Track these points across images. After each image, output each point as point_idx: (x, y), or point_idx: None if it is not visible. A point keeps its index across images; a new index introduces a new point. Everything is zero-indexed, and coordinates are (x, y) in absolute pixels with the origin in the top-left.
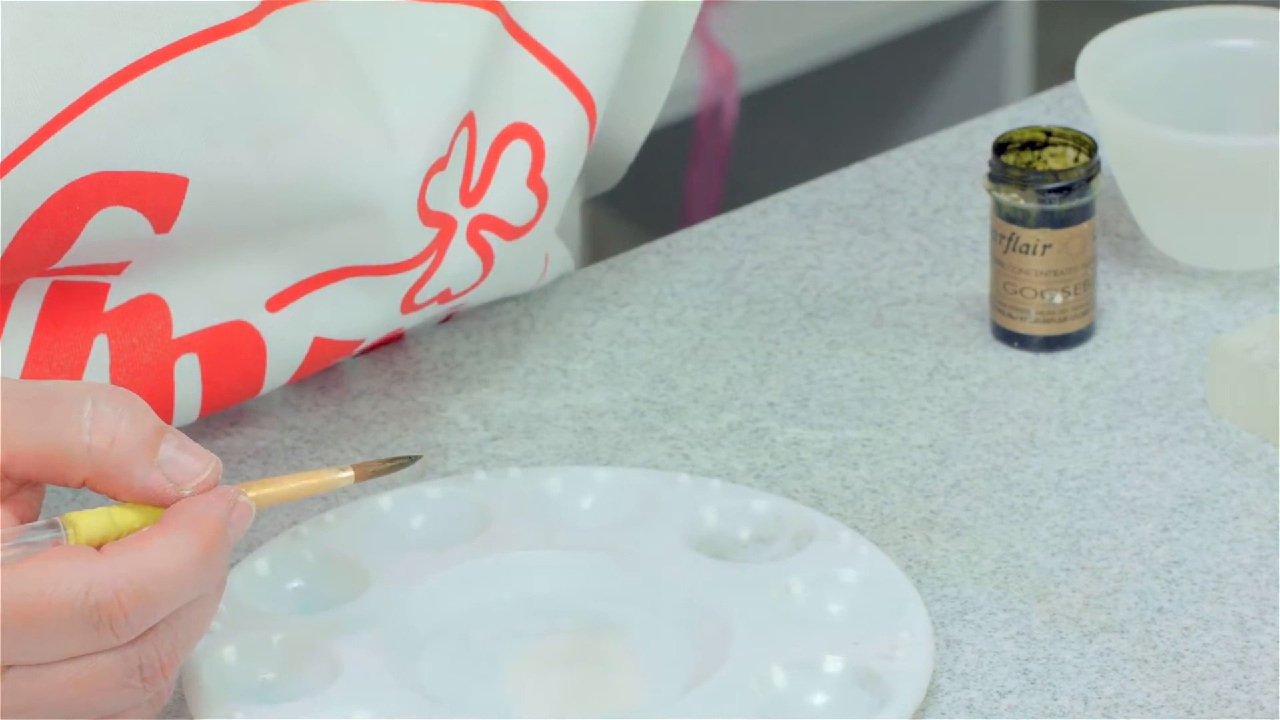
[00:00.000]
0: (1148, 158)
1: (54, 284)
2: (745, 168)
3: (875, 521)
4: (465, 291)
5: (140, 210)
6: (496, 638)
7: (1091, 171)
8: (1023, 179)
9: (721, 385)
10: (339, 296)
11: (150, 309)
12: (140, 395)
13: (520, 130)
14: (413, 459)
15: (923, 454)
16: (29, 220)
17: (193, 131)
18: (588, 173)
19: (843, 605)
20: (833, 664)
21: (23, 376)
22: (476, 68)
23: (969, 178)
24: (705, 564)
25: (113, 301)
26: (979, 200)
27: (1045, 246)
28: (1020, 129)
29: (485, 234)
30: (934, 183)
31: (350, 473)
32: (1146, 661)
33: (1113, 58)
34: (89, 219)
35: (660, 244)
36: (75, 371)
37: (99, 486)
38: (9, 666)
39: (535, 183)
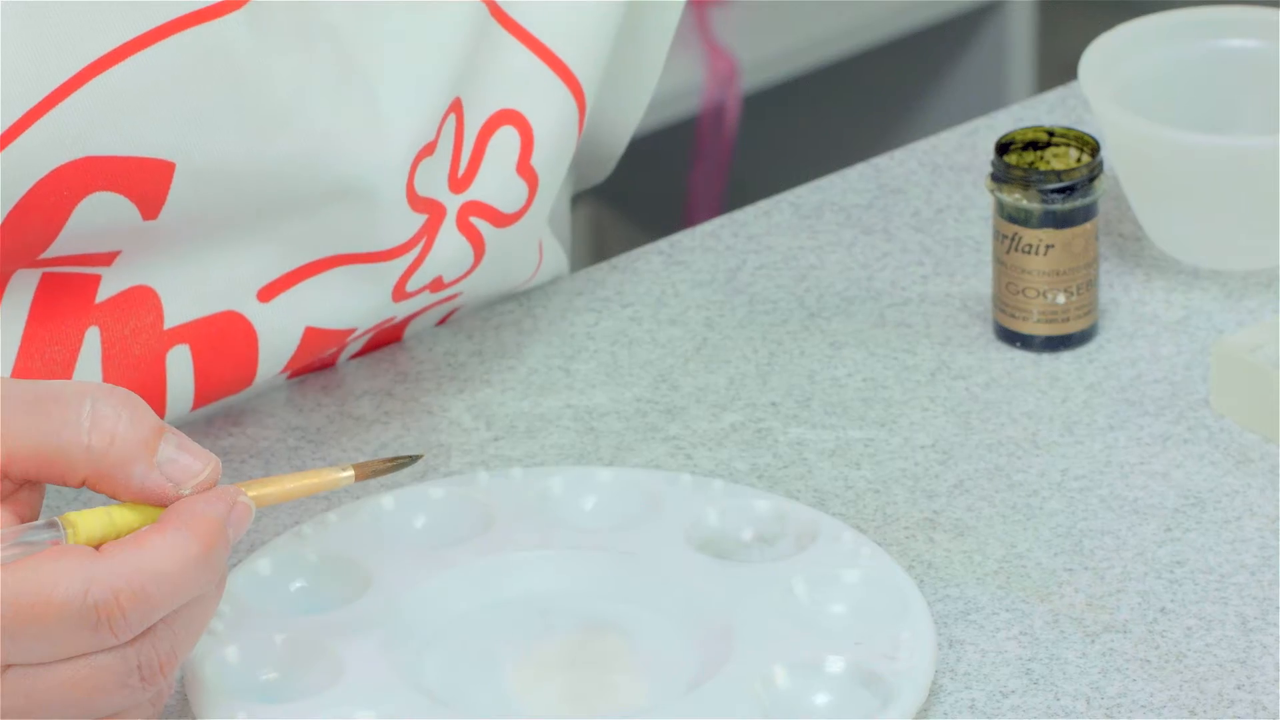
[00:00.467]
0: (1150, 158)
1: (45, 276)
2: (748, 168)
3: (878, 521)
4: (458, 280)
5: (127, 195)
6: (499, 638)
7: (1094, 171)
8: (1025, 179)
9: (724, 385)
10: (330, 285)
11: (141, 300)
12: (133, 387)
13: (508, 116)
14: (414, 458)
15: (925, 454)
16: (16, 205)
17: (179, 116)
18: (577, 166)
19: (845, 605)
20: (835, 664)
21: (15, 370)
22: (463, 54)
23: (971, 178)
24: (707, 564)
25: (104, 293)
26: (982, 200)
27: (1048, 246)
28: (1023, 129)
29: (475, 221)
30: (936, 183)
31: (351, 472)
32: (1149, 661)
33: (1115, 58)
34: (76, 204)
35: (663, 244)
36: (68, 364)
37: (98, 486)
38: (8, 666)
39: (525, 170)
